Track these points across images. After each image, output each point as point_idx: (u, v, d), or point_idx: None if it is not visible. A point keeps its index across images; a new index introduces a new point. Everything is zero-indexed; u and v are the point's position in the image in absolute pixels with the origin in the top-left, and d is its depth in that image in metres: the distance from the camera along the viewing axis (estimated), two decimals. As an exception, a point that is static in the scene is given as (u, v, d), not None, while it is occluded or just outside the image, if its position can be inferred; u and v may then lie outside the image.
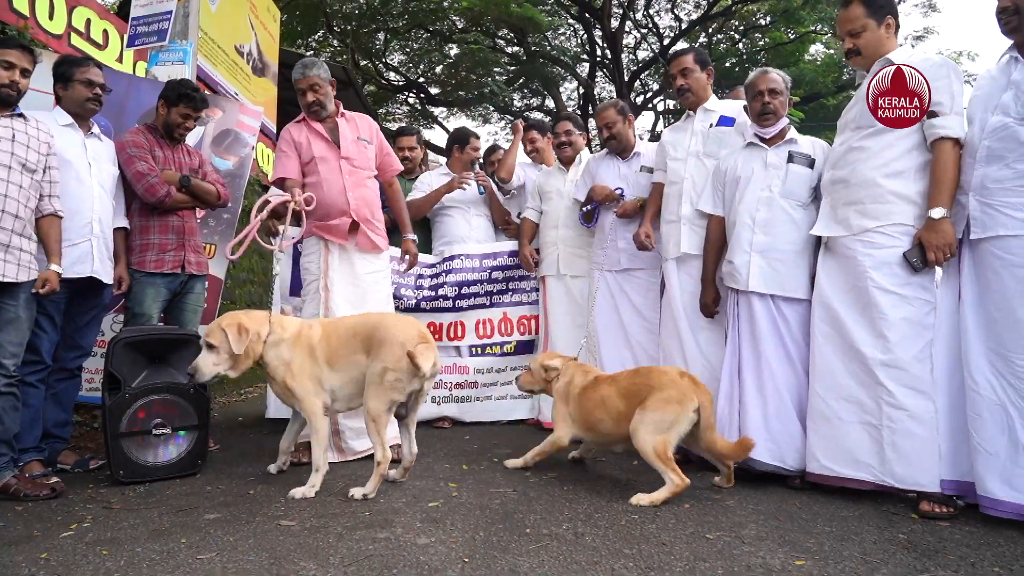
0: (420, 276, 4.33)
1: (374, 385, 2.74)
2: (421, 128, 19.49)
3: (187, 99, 3.54)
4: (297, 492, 2.77)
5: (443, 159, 5.49)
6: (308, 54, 12.85)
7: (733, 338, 3.15)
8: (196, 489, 2.94)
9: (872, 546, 2.24)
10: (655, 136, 19.55)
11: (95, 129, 3.35)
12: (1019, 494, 2.35)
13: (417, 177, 4.73)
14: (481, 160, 4.79)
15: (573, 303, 4.21)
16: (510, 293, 4.45)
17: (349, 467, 3.27)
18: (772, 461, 2.91)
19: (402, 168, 4.03)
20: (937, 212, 2.55)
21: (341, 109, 3.63)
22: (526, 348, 4.47)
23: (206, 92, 4.19)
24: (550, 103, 18.54)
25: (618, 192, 3.93)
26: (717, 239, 3.32)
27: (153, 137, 3.57)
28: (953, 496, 2.55)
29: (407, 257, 3.84)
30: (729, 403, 3.07)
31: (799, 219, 3.06)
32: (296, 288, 4.20)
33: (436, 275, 4.35)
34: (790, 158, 3.11)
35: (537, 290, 4.44)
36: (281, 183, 3.50)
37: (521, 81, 18.02)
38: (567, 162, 4.36)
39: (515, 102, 19.67)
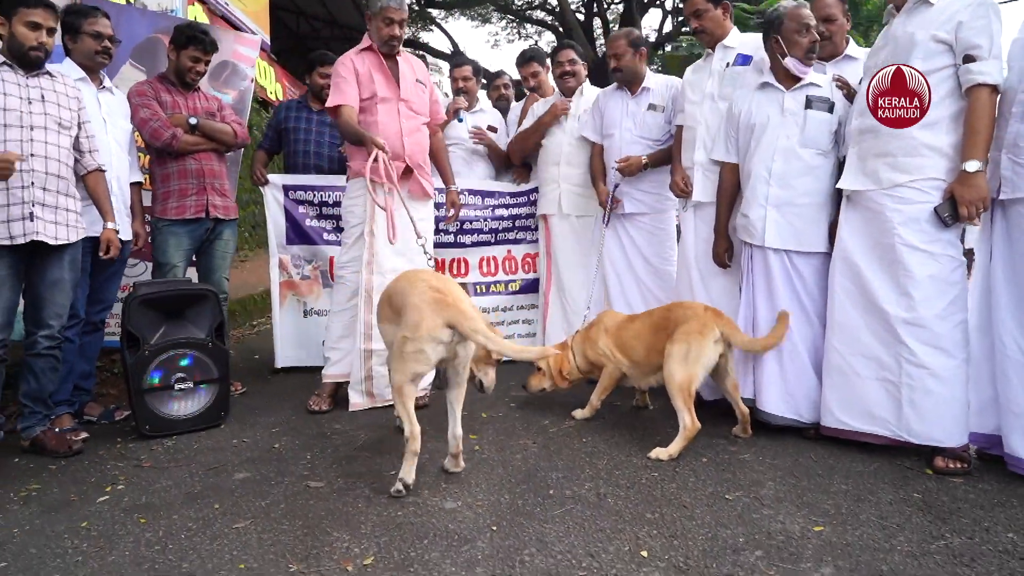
0: None
1: (394, 355, 2.53)
2: (420, 31, 18.79)
3: (196, 41, 3.43)
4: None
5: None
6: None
7: (747, 291, 3.12)
8: (222, 443, 3.00)
9: (888, 507, 2.30)
10: (662, 37, 18.79)
11: (106, 82, 3.27)
12: (1042, 452, 2.39)
13: (469, 110, 4.49)
14: (461, 87, 4.51)
15: (579, 243, 4.08)
16: (515, 231, 4.37)
17: (371, 416, 3.33)
18: (788, 414, 2.95)
19: (445, 119, 3.84)
20: (972, 165, 2.46)
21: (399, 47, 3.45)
22: (531, 287, 4.44)
23: (195, 22, 4.01)
24: (553, -1, 17.70)
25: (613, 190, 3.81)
26: (730, 188, 3.22)
27: (162, 84, 3.48)
28: (970, 450, 2.60)
29: (451, 211, 3.84)
30: (744, 356, 3.08)
31: (819, 169, 2.96)
32: (294, 238, 4.12)
33: (436, 205, 4.21)
34: (808, 103, 2.97)
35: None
36: (336, 110, 3.32)
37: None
38: (569, 92, 4.13)
39: (515, 0, 18.84)
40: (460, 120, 4.31)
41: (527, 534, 2.14)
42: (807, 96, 2.98)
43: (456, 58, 4.54)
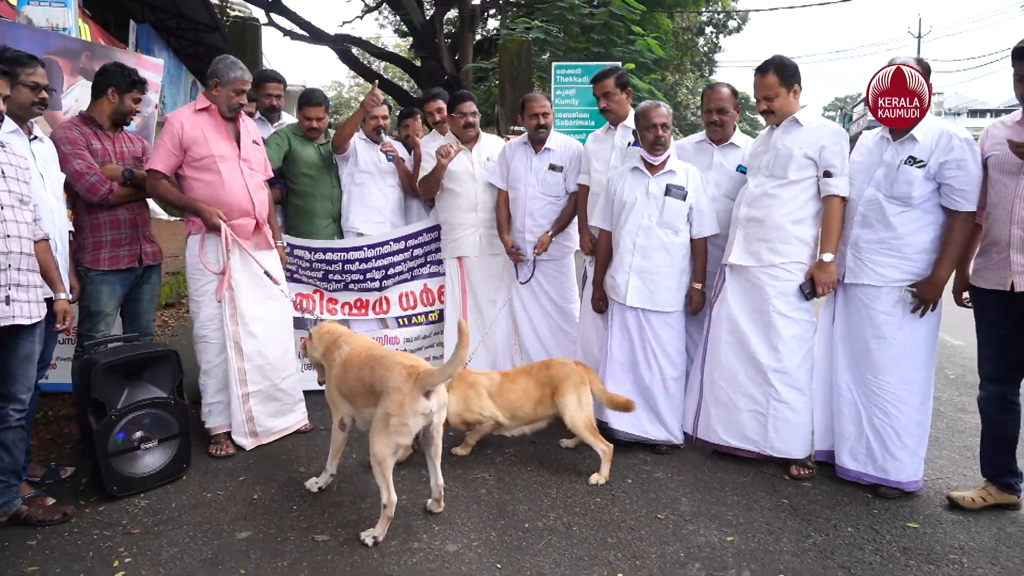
0: (347, 261, 4.45)
1: (378, 430, 2.81)
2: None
3: (139, 84, 3.43)
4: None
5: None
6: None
7: (609, 333, 3.80)
8: (197, 499, 3.16)
9: (769, 513, 3.14)
10: (484, 5, 19.14)
11: (36, 130, 3.11)
12: (859, 465, 3.35)
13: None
14: (386, 125, 4.73)
15: (494, 278, 4.49)
16: (428, 265, 4.69)
17: (322, 445, 3.61)
18: (635, 431, 3.71)
19: (272, 175, 3.99)
20: (827, 256, 3.32)
21: None
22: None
23: (92, 43, 3.85)
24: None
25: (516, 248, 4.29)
26: (606, 250, 3.88)
27: (89, 128, 3.37)
28: (812, 459, 3.54)
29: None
30: (601, 380, 3.75)
31: (672, 246, 3.66)
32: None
33: (365, 259, 4.47)
34: (667, 191, 3.65)
35: None
36: (156, 177, 3.45)
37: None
38: (470, 141, 4.42)
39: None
40: (389, 159, 4.56)
41: (527, 569, 2.68)
42: (667, 184, 3.66)
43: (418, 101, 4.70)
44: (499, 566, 2.69)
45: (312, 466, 3.52)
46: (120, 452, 3.10)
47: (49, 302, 2.88)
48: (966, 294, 3.21)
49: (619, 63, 7.90)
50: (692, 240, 3.70)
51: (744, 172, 3.71)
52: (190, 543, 2.81)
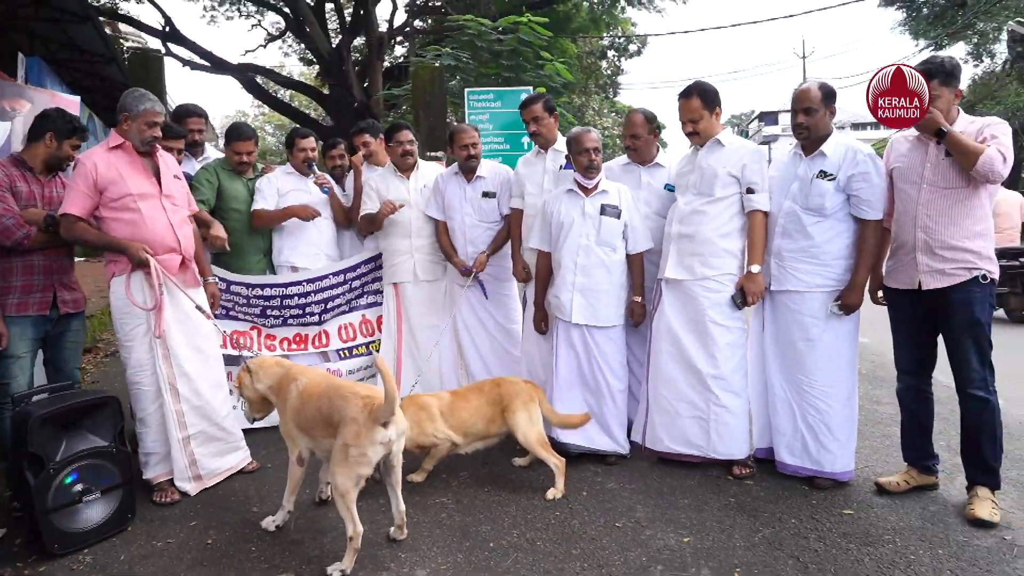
0: (286, 296, 4.41)
1: (338, 461, 2.80)
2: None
3: (80, 131, 3.35)
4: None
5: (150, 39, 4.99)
6: None
7: (555, 351, 3.91)
8: (148, 549, 3.04)
9: (719, 512, 3.30)
10: (393, 31, 19.21)
11: None
12: (796, 459, 3.57)
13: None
14: (314, 157, 4.71)
15: (430, 305, 4.52)
16: (365, 296, 4.70)
17: (268, 482, 3.54)
18: (580, 442, 3.83)
19: (197, 209, 3.92)
20: (754, 268, 3.55)
21: None
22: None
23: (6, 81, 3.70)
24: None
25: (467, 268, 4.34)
26: (545, 271, 4.02)
27: (18, 171, 3.25)
28: (753, 459, 3.74)
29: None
30: (549, 398, 3.87)
31: (611, 263, 3.83)
32: None
33: (304, 294, 4.44)
34: (603, 210, 3.82)
35: None
36: (72, 222, 3.30)
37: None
38: (407, 169, 4.48)
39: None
40: (324, 192, 4.53)
41: (499, 588, 2.72)
42: (602, 204, 3.83)
43: (301, 130, 4.65)
44: (471, 587, 2.73)
45: (265, 505, 3.44)
46: (60, 507, 2.95)
47: None
48: (880, 293, 3.49)
49: (530, 87, 8.17)
50: (628, 256, 3.86)
51: (672, 190, 3.92)
52: (148, 597, 2.70)
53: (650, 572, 2.81)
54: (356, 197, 4.63)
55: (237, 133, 4.42)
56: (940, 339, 3.28)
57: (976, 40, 21.05)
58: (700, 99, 3.63)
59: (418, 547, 3.02)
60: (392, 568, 2.85)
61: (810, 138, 3.44)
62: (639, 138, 4.03)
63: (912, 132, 3.28)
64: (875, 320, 3.52)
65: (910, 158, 3.24)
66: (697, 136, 3.69)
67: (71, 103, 4.12)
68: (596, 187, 3.84)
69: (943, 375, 3.41)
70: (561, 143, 4.16)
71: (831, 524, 3.15)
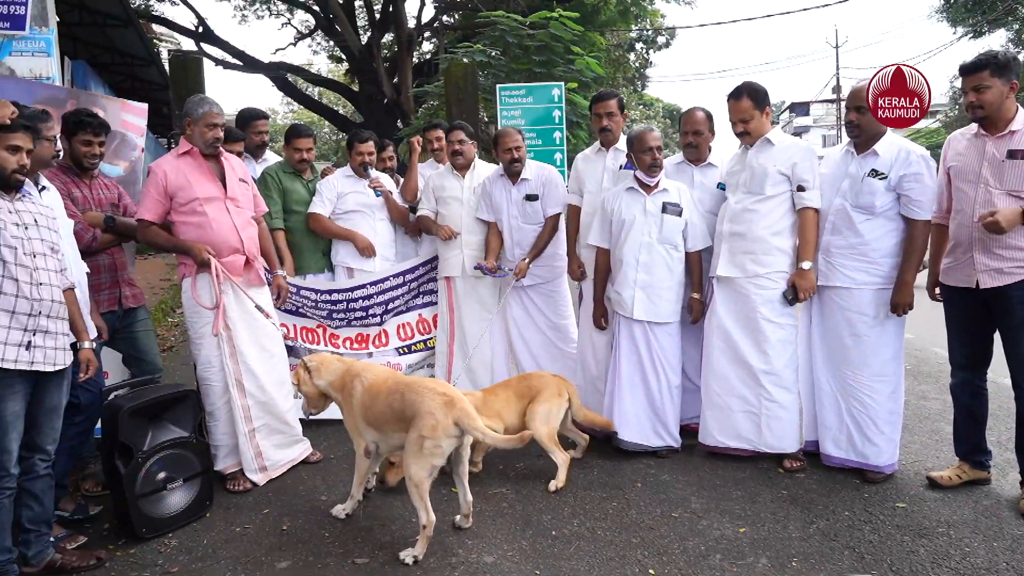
0: (351, 300, 4.57)
1: (413, 453, 2.96)
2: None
3: (84, 126, 3.44)
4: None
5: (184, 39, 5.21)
6: None
7: (616, 348, 4.02)
8: (227, 534, 3.21)
9: (772, 504, 3.39)
10: (421, 27, 19.35)
11: (42, 180, 3.12)
12: (842, 452, 3.65)
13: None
14: (372, 161, 4.80)
15: (480, 301, 4.61)
16: (421, 296, 4.83)
17: (334, 473, 3.69)
18: (639, 440, 3.93)
19: (266, 210, 4.12)
20: (806, 264, 3.62)
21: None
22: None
23: (77, 90, 3.87)
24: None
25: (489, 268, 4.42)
26: (604, 268, 4.11)
27: (68, 177, 3.44)
28: (801, 453, 3.82)
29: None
30: (609, 396, 4.02)
31: (672, 260, 3.92)
32: None
33: (368, 296, 4.58)
34: (664, 208, 3.90)
35: None
36: (145, 226, 3.55)
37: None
38: (460, 169, 4.59)
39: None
40: (378, 195, 4.67)
41: (565, 573, 2.84)
42: (663, 202, 3.91)
43: (361, 133, 4.78)
44: (537, 572, 2.85)
45: (332, 494, 3.59)
46: (147, 494, 3.13)
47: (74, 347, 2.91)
48: (938, 289, 3.54)
49: (562, 83, 8.23)
50: (687, 253, 3.95)
51: (723, 189, 3.99)
52: (234, 578, 2.86)
53: (709, 560, 2.91)
54: (412, 171, 4.89)
55: (297, 131, 4.61)
56: (993, 335, 3.33)
57: (1017, 27, 20.52)
58: (750, 99, 3.70)
59: (483, 534, 3.15)
60: (460, 555, 2.98)
61: (862, 136, 3.50)
62: (701, 135, 4.10)
63: (970, 129, 3.31)
64: (914, 315, 3.56)
65: (967, 156, 3.27)
66: (748, 136, 3.76)
67: (139, 110, 4.27)
68: (657, 185, 3.92)
69: (991, 369, 3.45)
70: (622, 142, 4.24)
71: (884, 516, 3.22)
